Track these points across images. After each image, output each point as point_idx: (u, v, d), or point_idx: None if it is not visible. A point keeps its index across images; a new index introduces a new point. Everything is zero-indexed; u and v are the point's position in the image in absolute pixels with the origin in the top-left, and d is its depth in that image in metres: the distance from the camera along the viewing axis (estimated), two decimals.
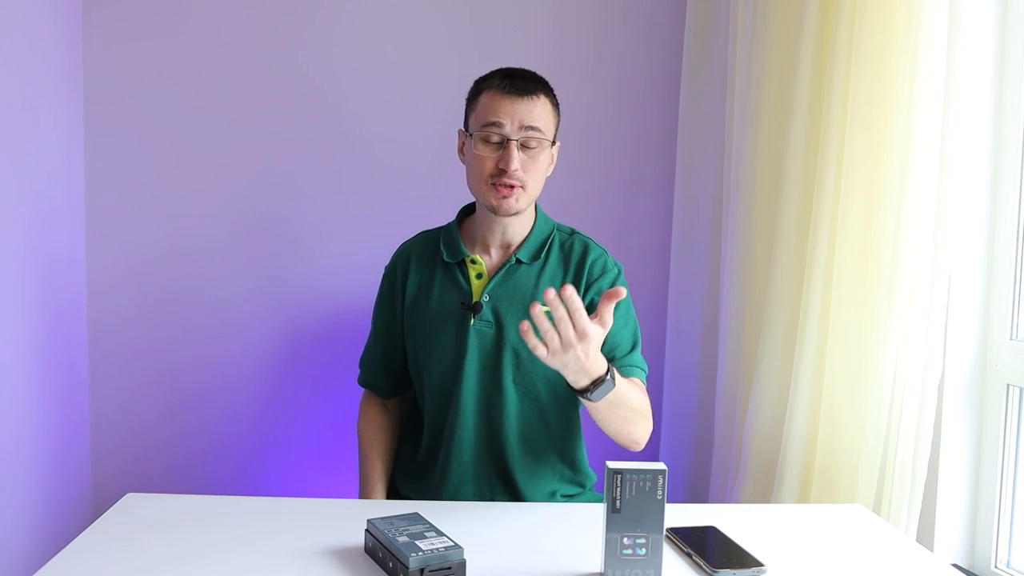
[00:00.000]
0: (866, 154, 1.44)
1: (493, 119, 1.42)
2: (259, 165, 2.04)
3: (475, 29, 2.07)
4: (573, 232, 1.57)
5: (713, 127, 1.96)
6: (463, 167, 1.52)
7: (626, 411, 1.34)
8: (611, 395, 1.26)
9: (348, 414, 2.02)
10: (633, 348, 1.49)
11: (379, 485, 1.54)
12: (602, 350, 1.43)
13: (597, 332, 1.16)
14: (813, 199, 1.53)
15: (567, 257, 1.52)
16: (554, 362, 1.17)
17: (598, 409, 1.29)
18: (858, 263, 1.46)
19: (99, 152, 2.00)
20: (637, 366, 1.48)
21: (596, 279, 1.50)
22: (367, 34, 2.05)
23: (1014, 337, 1.50)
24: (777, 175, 1.64)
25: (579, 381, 1.22)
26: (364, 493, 1.55)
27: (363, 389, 1.67)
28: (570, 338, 1.14)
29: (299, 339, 2.09)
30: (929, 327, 1.41)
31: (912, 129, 1.38)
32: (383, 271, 1.62)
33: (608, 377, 1.24)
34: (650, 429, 1.43)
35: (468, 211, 1.59)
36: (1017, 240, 1.50)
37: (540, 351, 1.16)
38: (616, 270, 1.53)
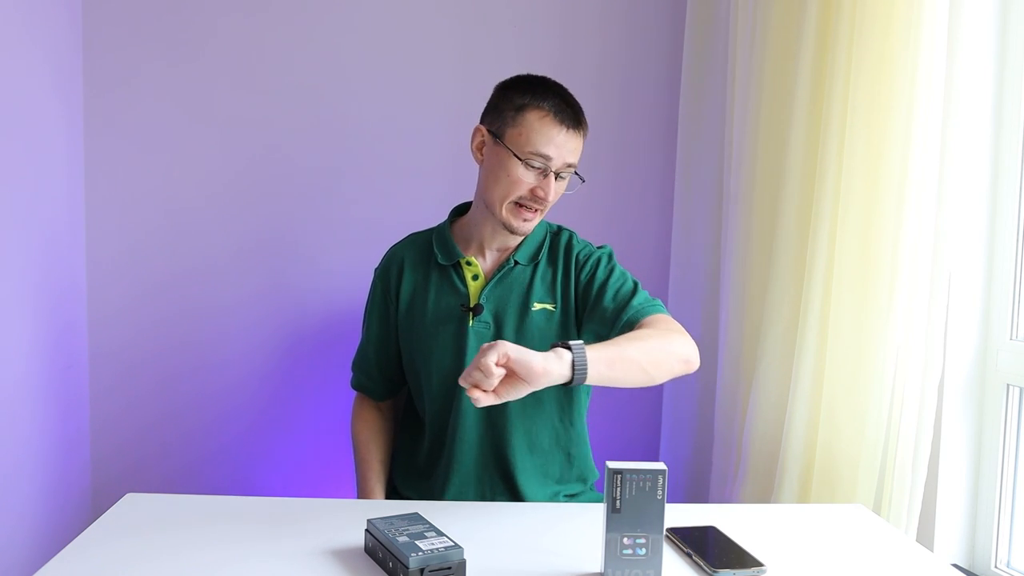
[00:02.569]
0: (866, 154, 1.44)
1: (544, 151, 1.39)
2: (258, 166, 2.04)
3: (475, 31, 2.07)
4: (560, 229, 1.57)
5: (713, 127, 1.96)
6: (463, 171, 1.51)
7: (644, 357, 1.27)
8: (608, 354, 1.21)
9: (347, 414, 2.02)
10: (635, 292, 1.44)
11: (377, 487, 1.54)
12: (609, 316, 1.40)
13: (489, 345, 1.13)
14: (813, 199, 1.53)
15: (555, 254, 1.53)
16: (541, 376, 1.15)
17: (612, 378, 1.23)
18: (858, 263, 1.46)
19: (99, 153, 2.00)
20: (644, 305, 1.41)
21: (582, 265, 1.50)
22: (369, 38, 2.04)
23: (1014, 337, 1.50)
24: (777, 175, 1.63)
25: (555, 365, 1.16)
26: (362, 495, 1.54)
27: (355, 392, 1.66)
28: (488, 385, 1.12)
29: (299, 340, 2.09)
30: (929, 327, 1.41)
31: (912, 129, 1.38)
32: (374, 271, 1.61)
33: (577, 351, 1.18)
34: (686, 343, 1.34)
35: (459, 211, 1.59)
36: (1017, 240, 1.50)
37: (522, 391, 1.15)
38: (600, 251, 1.52)
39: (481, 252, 1.52)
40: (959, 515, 1.54)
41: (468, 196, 1.57)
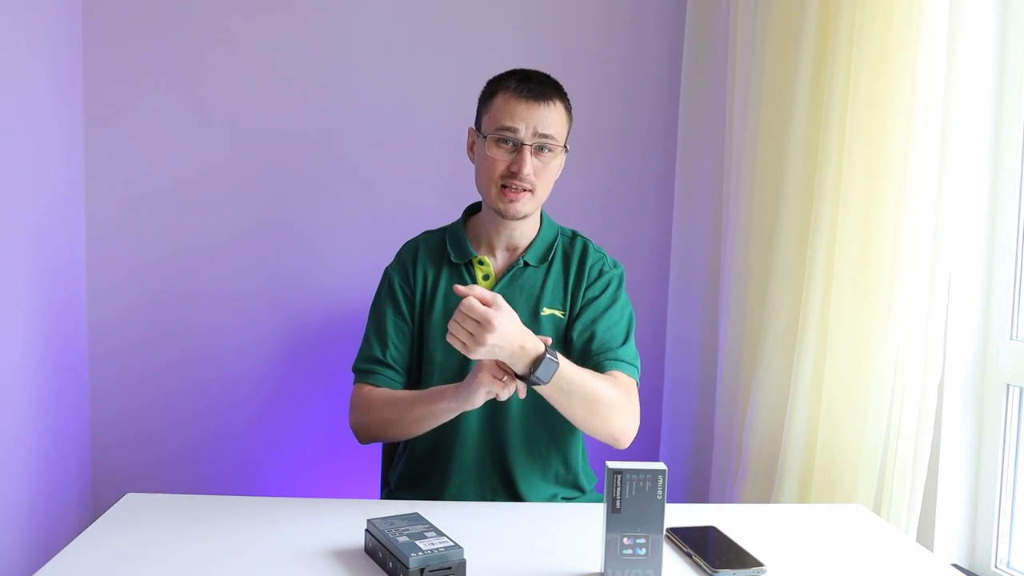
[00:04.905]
0: (866, 154, 1.44)
1: (508, 123, 1.42)
2: (260, 167, 2.04)
3: (478, 31, 2.07)
4: (575, 235, 1.57)
5: (713, 127, 1.96)
6: (468, 167, 1.52)
7: (587, 400, 1.34)
8: (562, 382, 1.29)
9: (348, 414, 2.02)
10: (624, 342, 1.48)
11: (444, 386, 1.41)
12: (592, 347, 1.46)
13: (496, 315, 1.20)
14: (813, 199, 1.53)
15: (568, 259, 1.53)
16: (480, 354, 1.22)
17: (553, 397, 1.31)
18: (858, 263, 1.46)
19: (99, 153, 2.00)
20: (625, 360, 1.46)
21: (593, 281, 1.51)
22: (371, 36, 2.04)
23: (1014, 337, 1.50)
24: (777, 175, 1.64)
25: (519, 365, 1.26)
26: (441, 398, 1.36)
27: (355, 389, 1.62)
28: (474, 330, 1.20)
29: (299, 339, 2.09)
30: (929, 327, 1.41)
31: (912, 129, 1.38)
32: (384, 271, 1.60)
33: (547, 356, 1.26)
34: (630, 424, 1.41)
35: (472, 211, 1.59)
36: (1017, 240, 1.50)
37: (458, 347, 1.22)
38: (613, 271, 1.53)
39: (491, 251, 1.53)
40: (959, 515, 1.54)
41: (471, 195, 1.57)
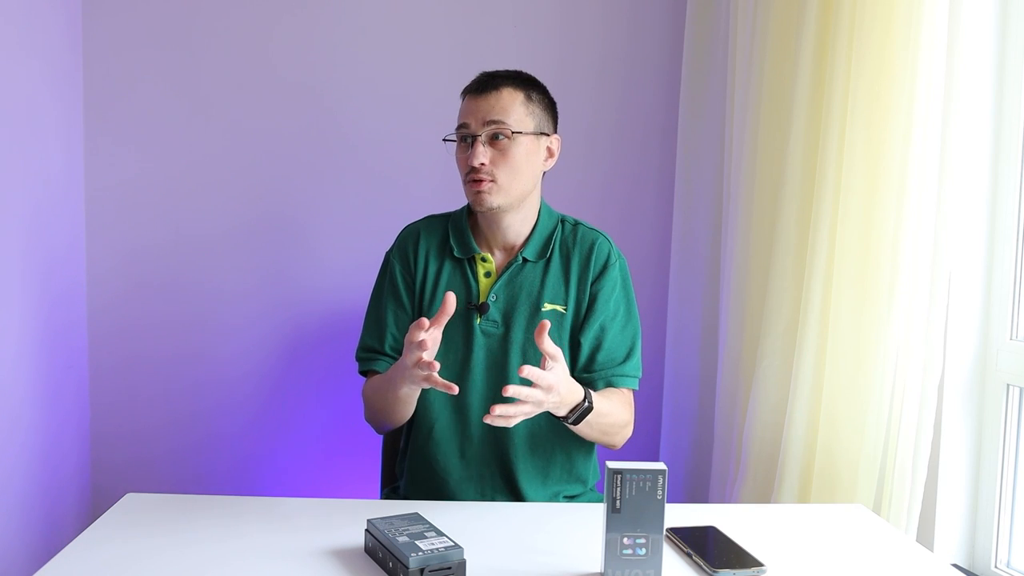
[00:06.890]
0: (866, 154, 1.44)
1: (461, 121, 1.47)
2: (259, 164, 2.04)
3: (476, 28, 2.07)
4: (576, 224, 1.55)
5: (713, 127, 1.96)
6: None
7: (604, 427, 1.42)
8: (589, 417, 1.36)
9: (348, 413, 2.02)
10: (628, 356, 1.51)
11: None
12: (597, 358, 1.48)
13: (557, 377, 1.25)
14: (813, 199, 1.53)
15: (569, 252, 1.51)
16: (535, 412, 1.26)
17: (577, 428, 1.39)
18: (858, 263, 1.46)
19: (99, 152, 2.00)
20: (629, 375, 1.51)
21: (598, 276, 1.50)
22: (369, 33, 2.05)
23: (1014, 337, 1.50)
24: (777, 175, 1.64)
25: (558, 411, 1.33)
26: (395, 385, 1.35)
27: (364, 381, 1.57)
28: (539, 398, 1.23)
29: (300, 338, 2.09)
30: (929, 327, 1.41)
31: (912, 129, 1.38)
32: (385, 255, 1.58)
33: (586, 405, 1.34)
34: (627, 434, 1.50)
35: None
36: (1017, 240, 1.50)
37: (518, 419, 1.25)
38: (618, 262, 1.53)
39: (490, 248, 1.53)
40: (959, 515, 1.54)
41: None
